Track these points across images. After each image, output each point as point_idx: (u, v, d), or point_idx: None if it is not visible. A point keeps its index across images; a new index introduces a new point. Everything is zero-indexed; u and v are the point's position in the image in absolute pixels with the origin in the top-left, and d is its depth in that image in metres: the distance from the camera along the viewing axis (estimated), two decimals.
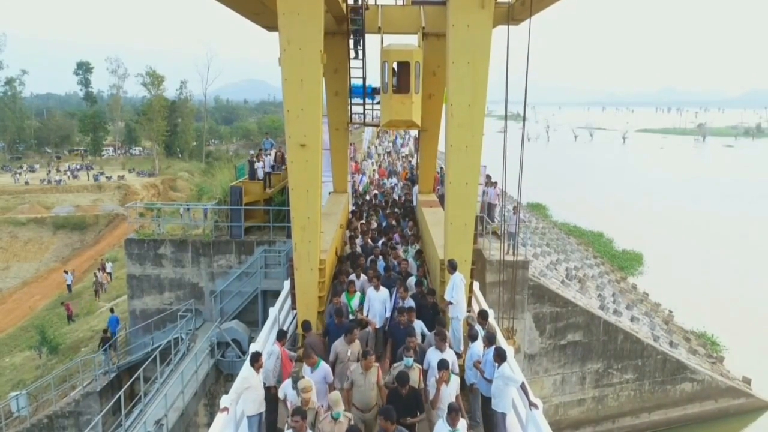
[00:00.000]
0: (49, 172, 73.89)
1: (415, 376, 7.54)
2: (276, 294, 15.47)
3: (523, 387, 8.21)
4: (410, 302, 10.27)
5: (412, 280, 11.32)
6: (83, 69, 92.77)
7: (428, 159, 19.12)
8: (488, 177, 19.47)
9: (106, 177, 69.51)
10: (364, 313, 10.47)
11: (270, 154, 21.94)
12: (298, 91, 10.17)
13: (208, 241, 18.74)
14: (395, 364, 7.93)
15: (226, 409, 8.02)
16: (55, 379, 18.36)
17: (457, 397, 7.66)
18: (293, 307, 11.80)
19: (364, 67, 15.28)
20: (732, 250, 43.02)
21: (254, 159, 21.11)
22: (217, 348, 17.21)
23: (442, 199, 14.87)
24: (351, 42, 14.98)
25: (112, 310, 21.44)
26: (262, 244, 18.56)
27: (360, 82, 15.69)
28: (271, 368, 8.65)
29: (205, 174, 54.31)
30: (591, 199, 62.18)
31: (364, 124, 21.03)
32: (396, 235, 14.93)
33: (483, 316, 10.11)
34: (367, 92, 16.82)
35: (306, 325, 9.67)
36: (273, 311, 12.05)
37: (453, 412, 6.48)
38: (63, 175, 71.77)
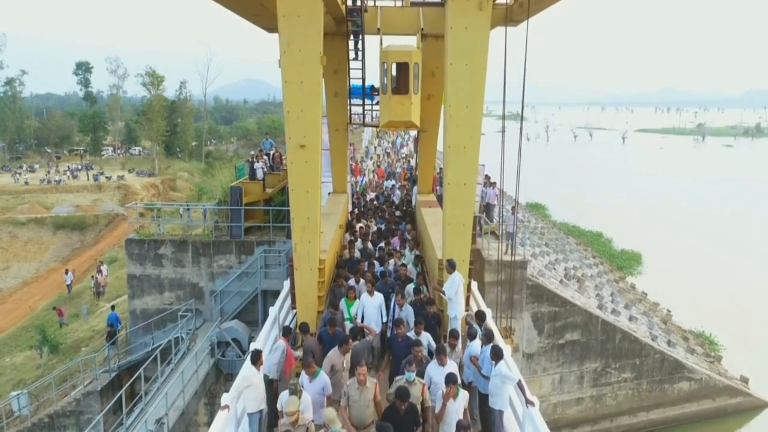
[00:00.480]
0: (49, 172, 73.96)
1: (417, 392, 7.18)
2: (276, 294, 15.51)
3: (519, 385, 8.24)
4: (408, 309, 10.10)
5: (410, 287, 11.12)
6: (83, 69, 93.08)
7: (427, 159, 19.21)
8: (487, 177, 19.53)
9: (106, 177, 69.52)
10: (358, 320, 10.28)
11: (267, 155, 22.01)
12: (298, 93, 10.23)
13: (208, 242, 18.81)
14: (396, 378, 7.66)
15: (226, 407, 8.06)
16: (55, 378, 18.40)
17: (465, 412, 7.34)
18: (293, 306, 11.87)
19: (363, 68, 15.38)
20: (731, 249, 43.10)
21: (254, 159, 21.17)
22: (217, 347, 17.30)
23: (441, 199, 14.94)
24: (350, 43, 15.08)
25: (113, 307, 21.54)
26: (262, 244, 18.61)
27: (359, 82, 15.78)
28: (275, 362, 8.73)
29: (205, 174, 54.42)
30: (590, 199, 62.20)
31: (364, 124, 21.13)
32: (395, 239, 14.90)
33: (480, 317, 10.16)
34: (367, 92, 16.91)
35: (304, 327, 9.67)
36: (273, 311, 12.10)
37: (461, 431, 6.34)
38: (63, 175, 71.80)
